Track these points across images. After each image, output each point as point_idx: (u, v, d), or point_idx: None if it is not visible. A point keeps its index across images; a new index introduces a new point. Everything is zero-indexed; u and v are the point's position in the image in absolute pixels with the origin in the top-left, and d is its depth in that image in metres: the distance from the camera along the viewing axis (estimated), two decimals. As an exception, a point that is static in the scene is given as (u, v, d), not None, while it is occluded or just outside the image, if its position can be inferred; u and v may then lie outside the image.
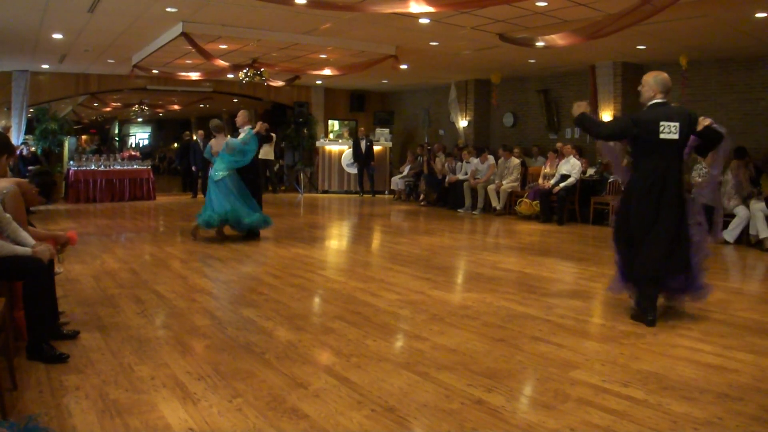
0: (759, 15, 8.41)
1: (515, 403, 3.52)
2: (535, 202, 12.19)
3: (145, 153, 27.17)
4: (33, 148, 15.63)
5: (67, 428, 3.11)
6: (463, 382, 3.77)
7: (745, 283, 7.22)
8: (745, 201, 9.40)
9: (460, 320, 5.17)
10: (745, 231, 9.34)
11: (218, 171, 8.96)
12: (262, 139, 9.36)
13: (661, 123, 4.99)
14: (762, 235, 8.94)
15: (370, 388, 3.66)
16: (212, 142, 9.21)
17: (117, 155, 16.74)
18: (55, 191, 5.84)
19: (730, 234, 9.37)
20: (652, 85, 5.18)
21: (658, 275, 5.08)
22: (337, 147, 18.17)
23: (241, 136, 9.09)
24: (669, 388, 3.69)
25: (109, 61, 13.94)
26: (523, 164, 13.80)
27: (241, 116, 9.56)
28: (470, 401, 3.49)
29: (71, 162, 15.50)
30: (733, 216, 9.45)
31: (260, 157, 17.90)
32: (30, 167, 14.34)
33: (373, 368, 4.00)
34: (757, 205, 9.13)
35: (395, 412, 3.34)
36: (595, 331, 4.94)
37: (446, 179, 14.46)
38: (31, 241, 4.22)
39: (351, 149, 17.59)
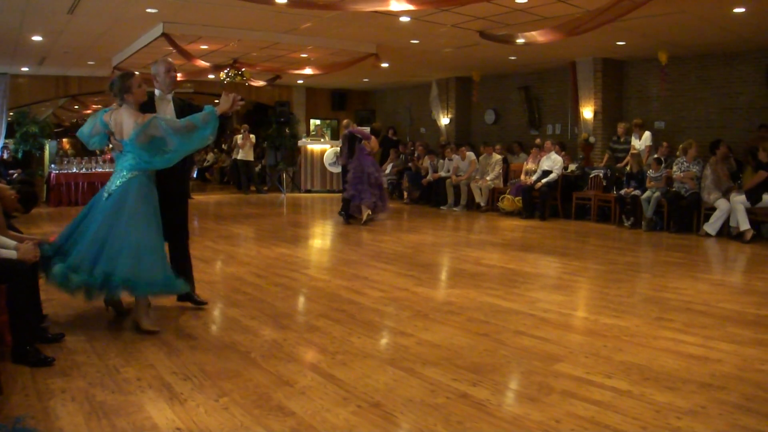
0: (737, 10, 8.49)
1: (500, 396, 3.55)
2: (517, 198, 12.26)
3: None
4: (13, 153, 15.47)
5: (54, 431, 3.10)
6: (448, 376, 3.80)
7: (726, 274, 7.30)
8: (725, 195, 9.50)
9: (444, 316, 5.19)
10: (726, 224, 9.46)
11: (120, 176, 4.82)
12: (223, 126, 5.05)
13: None
14: (742, 227, 9.04)
15: (356, 384, 3.68)
16: (113, 116, 5.12)
17: (98, 157, 16.57)
18: (34, 203, 5.75)
19: (712, 227, 9.48)
20: None
21: None
22: (319, 146, 18.08)
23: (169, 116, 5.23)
24: (652, 379, 3.74)
25: (89, 63, 13.85)
26: (505, 161, 13.88)
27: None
28: (455, 395, 3.52)
29: (52, 165, 15.37)
30: (714, 209, 9.56)
31: (239, 158, 17.97)
32: (11, 171, 14.19)
33: (358, 365, 4.01)
34: (737, 198, 9.24)
35: (381, 407, 3.36)
36: (579, 325, 4.99)
37: (427, 176, 14.52)
38: (13, 243, 4.20)
39: (333, 148, 17.39)
